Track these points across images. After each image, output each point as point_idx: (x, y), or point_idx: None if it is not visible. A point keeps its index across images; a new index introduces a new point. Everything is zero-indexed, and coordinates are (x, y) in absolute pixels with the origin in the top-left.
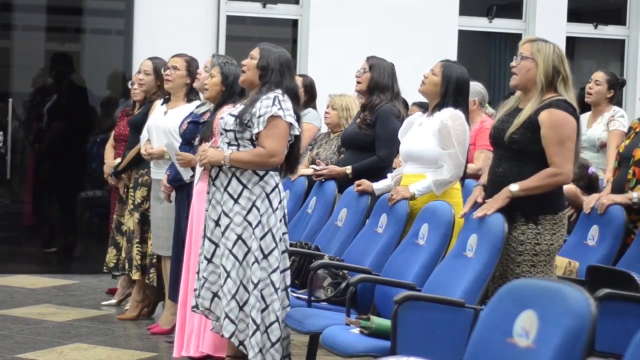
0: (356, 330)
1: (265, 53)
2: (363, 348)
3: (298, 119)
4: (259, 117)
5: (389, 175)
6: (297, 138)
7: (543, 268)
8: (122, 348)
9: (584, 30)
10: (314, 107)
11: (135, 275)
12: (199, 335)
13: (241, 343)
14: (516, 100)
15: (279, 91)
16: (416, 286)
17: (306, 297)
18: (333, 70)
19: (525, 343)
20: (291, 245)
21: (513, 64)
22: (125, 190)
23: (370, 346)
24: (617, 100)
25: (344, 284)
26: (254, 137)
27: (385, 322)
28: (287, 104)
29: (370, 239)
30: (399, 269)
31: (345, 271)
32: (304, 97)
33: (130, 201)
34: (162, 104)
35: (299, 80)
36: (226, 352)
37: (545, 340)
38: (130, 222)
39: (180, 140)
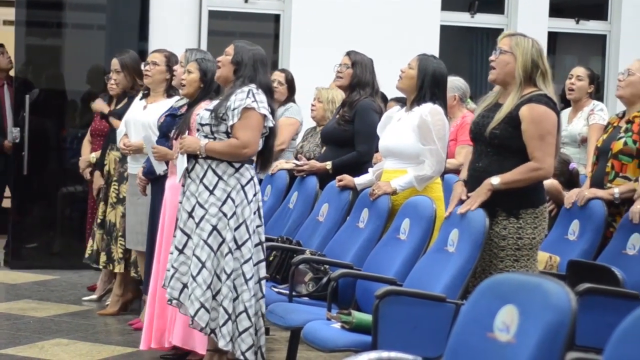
0: (337, 325)
1: (240, 50)
2: (344, 343)
3: (272, 113)
4: (234, 109)
5: (370, 170)
6: (272, 131)
7: (527, 262)
8: (103, 343)
9: (566, 25)
10: (294, 101)
11: (117, 268)
12: (171, 328)
13: (212, 331)
14: (496, 96)
15: (253, 85)
16: (397, 281)
17: (287, 292)
18: (315, 65)
19: (506, 338)
20: (273, 240)
21: (492, 58)
22: (105, 184)
23: (352, 341)
24: (597, 95)
25: (325, 279)
26: (229, 130)
27: (367, 317)
28: (261, 97)
29: (351, 234)
30: (380, 264)
31: (327, 266)
32: (287, 92)
33: (113, 194)
34: (140, 99)
35: (281, 76)
36: (207, 346)
37: (526, 335)
38: (112, 215)
39: (157, 134)
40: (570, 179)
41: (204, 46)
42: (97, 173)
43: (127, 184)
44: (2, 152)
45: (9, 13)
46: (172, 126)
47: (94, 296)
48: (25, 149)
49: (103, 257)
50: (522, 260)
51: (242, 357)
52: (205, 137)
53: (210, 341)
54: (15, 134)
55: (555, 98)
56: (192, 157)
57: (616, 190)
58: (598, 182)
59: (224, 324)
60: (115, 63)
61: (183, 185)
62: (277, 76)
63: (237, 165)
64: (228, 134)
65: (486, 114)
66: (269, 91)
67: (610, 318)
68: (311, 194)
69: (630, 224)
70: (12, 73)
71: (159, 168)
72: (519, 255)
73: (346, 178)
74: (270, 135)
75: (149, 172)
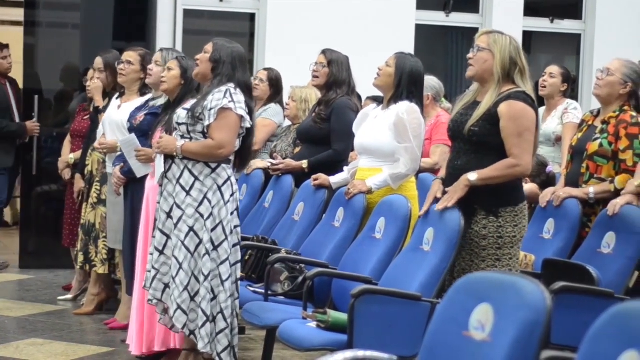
0: (313, 324)
1: (218, 47)
2: (320, 342)
3: (250, 112)
4: (210, 109)
5: (345, 168)
6: (249, 131)
7: (509, 262)
8: (79, 343)
9: (541, 24)
10: (279, 102)
11: (101, 270)
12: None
13: (192, 333)
14: (474, 94)
15: (231, 84)
16: (373, 280)
17: (263, 291)
18: (290, 64)
19: (481, 336)
20: (248, 239)
21: (470, 55)
22: (87, 185)
23: (327, 340)
24: (572, 94)
25: (300, 278)
26: (205, 130)
27: (342, 316)
28: (239, 97)
29: (327, 233)
30: (355, 263)
31: (302, 265)
32: (269, 91)
33: (94, 195)
34: (116, 98)
35: (263, 74)
36: (183, 345)
37: (501, 334)
38: (91, 215)
39: (127, 134)
40: (546, 182)
41: (179, 45)
42: (77, 176)
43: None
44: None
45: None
46: (152, 125)
47: (69, 296)
48: (34, 149)
49: (80, 257)
50: (503, 259)
51: (217, 358)
52: (182, 136)
53: (186, 340)
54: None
55: (533, 95)
56: (169, 157)
57: (591, 189)
58: (573, 182)
59: (202, 326)
60: (99, 62)
61: (161, 186)
62: (260, 74)
63: (213, 165)
64: (204, 134)
65: (464, 112)
66: (247, 90)
67: (585, 317)
68: (287, 193)
69: (606, 222)
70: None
71: (142, 170)
72: (500, 254)
73: (321, 177)
74: (248, 135)
75: (128, 171)
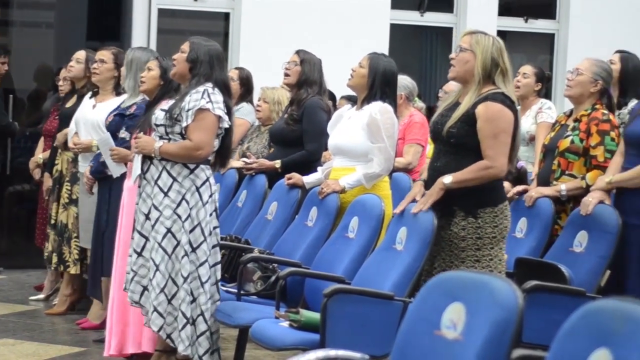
0: (285, 324)
1: (195, 46)
2: (292, 341)
3: (229, 112)
4: (188, 110)
5: (319, 168)
6: (228, 131)
7: (489, 263)
8: (50, 343)
9: (515, 24)
10: (250, 101)
11: (73, 270)
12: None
13: (169, 336)
14: (456, 95)
15: (209, 84)
16: (346, 279)
17: (236, 290)
18: (264, 64)
19: (453, 335)
20: (221, 238)
21: (452, 55)
22: (58, 185)
23: (300, 339)
24: (545, 94)
25: (273, 278)
26: (183, 131)
27: (315, 316)
28: (217, 96)
29: (300, 233)
30: (328, 262)
31: (275, 265)
32: (240, 90)
33: (65, 195)
34: (90, 97)
35: (234, 73)
36: (155, 347)
37: (473, 332)
38: (63, 216)
39: (105, 133)
40: (518, 177)
41: (153, 45)
42: (46, 174)
43: (80, 183)
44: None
45: None
46: (120, 125)
47: (41, 296)
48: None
49: (54, 259)
50: (483, 260)
51: None
52: (161, 137)
53: (159, 341)
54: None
55: (514, 96)
56: (148, 158)
57: (563, 187)
58: (544, 179)
59: (182, 328)
60: (81, 53)
61: (139, 187)
62: (232, 73)
63: (192, 166)
64: (183, 135)
65: (445, 113)
66: (225, 89)
67: (557, 315)
68: (260, 193)
69: (578, 221)
70: None
71: (117, 170)
72: (479, 255)
73: (295, 176)
74: (227, 135)
75: (96, 171)
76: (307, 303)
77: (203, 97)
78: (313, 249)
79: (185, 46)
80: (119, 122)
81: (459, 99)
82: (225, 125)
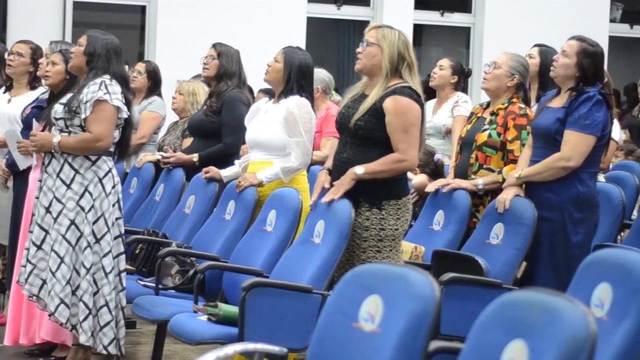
0: (204, 318)
1: (92, 40)
2: (211, 335)
3: (128, 103)
4: (86, 102)
5: (236, 162)
6: (128, 122)
7: (389, 253)
8: None
9: (431, 17)
10: (159, 95)
11: None
12: (40, 323)
13: (74, 327)
14: (362, 87)
15: (106, 76)
16: (264, 272)
17: (154, 285)
18: (181, 57)
19: (371, 327)
20: (139, 232)
21: (359, 49)
22: None
23: (218, 333)
24: (462, 87)
25: (191, 272)
26: (82, 123)
27: (233, 309)
28: (115, 88)
29: (218, 226)
30: (247, 256)
31: (193, 258)
32: (148, 83)
33: None
34: (4, 92)
35: (141, 66)
36: (72, 341)
37: (390, 324)
38: None
39: (14, 125)
40: (435, 170)
41: (68, 38)
42: None
43: None
44: None
45: None
46: (38, 118)
47: None
48: None
49: None
50: (384, 251)
51: (104, 351)
52: (61, 131)
53: (75, 336)
54: None
55: (420, 90)
56: (49, 151)
57: (480, 181)
58: (462, 172)
59: (84, 319)
60: None
61: (40, 181)
62: (138, 66)
63: (93, 158)
64: (82, 128)
65: (352, 105)
66: (123, 81)
67: (475, 307)
68: (177, 186)
69: (494, 213)
70: None
71: (24, 163)
72: (381, 246)
73: (212, 170)
74: (126, 126)
75: (12, 164)
76: (226, 297)
77: (100, 89)
78: (231, 242)
79: (83, 39)
80: (36, 115)
81: (364, 90)
82: (124, 115)
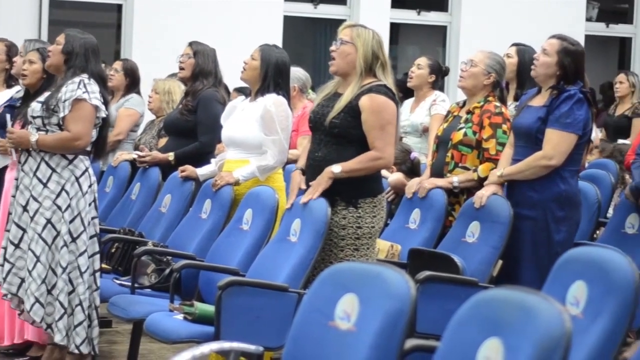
0: (180, 317)
1: (71, 38)
2: (187, 334)
3: (105, 103)
4: (64, 101)
5: (212, 160)
6: (105, 121)
7: (366, 251)
8: None
9: (408, 16)
10: (138, 92)
11: None
12: (20, 323)
13: (49, 326)
14: (335, 85)
15: (84, 75)
16: (240, 271)
17: (130, 284)
18: (157, 55)
19: (347, 326)
20: (115, 231)
21: (332, 48)
22: None
23: (194, 332)
24: (440, 86)
25: (167, 270)
26: (61, 122)
27: (209, 308)
28: (93, 87)
29: (194, 225)
30: (223, 255)
31: (169, 257)
32: (125, 81)
33: None
34: None
35: (119, 65)
36: (48, 341)
37: (366, 323)
38: None
39: None
40: (411, 168)
41: (44, 36)
42: None
43: None
44: None
45: None
46: (12, 117)
47: None
48: None
49: None
50: (361, 249)
51: (76, 351)
52: (38, 129)
53: (50, 335)
54: None
55: (394, 88)
56: (25, 149)
57: (455, 179)
58: (438, 171)
59: (60, 318)
60: None
61: (16, 179)
62: (116, 64)
63: (70, 157)
64: (60, 126)
65: (325, 104)
66: (101, 80)
67: (451, 305)
68: (153, 185)
69: (470, 212)
70: None
71: (2, 162)
72: (358, 244)
73: (188, 169)
74: (104, 125)
75: None
76: (202, 295)
77: (79, 88)
78: (207, 241)
79: (61, 38)
80: (10, 114)
81: (337, 89)
82: (103, 115)
